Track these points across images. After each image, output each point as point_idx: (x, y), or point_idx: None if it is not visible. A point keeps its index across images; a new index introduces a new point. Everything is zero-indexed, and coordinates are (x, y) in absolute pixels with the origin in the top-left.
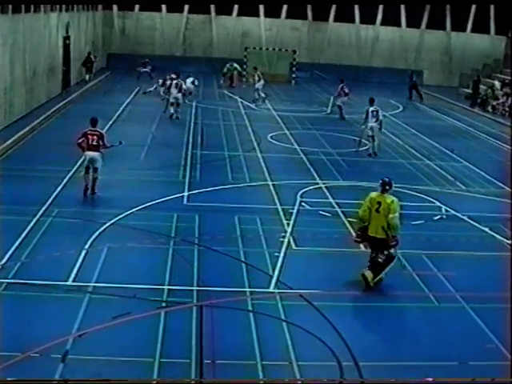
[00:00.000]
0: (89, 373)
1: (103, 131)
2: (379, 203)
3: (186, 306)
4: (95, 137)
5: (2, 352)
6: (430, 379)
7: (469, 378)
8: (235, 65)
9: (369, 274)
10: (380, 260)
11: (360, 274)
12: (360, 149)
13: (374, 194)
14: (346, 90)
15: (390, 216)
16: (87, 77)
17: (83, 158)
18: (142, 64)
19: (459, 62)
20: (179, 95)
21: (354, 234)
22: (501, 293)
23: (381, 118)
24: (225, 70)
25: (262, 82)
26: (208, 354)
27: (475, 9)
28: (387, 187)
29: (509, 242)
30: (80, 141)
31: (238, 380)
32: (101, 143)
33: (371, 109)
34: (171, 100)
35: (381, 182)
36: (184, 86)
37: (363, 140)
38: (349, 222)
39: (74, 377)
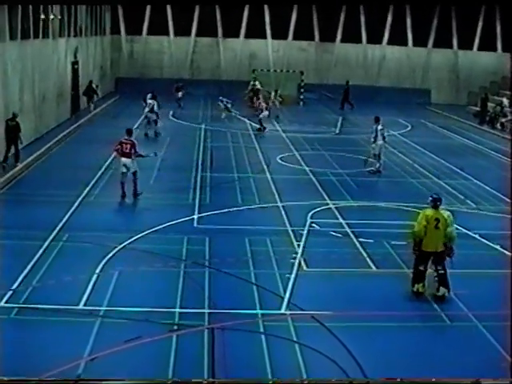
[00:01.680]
0: None
1: (135, 141)
2: (437, 219)
3: (197, 328)
4: (128, 145)
5: (15, 376)
6: (434, 379)
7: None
8: (257, 82)
9: (443, 291)
10: (441, 271)
11: (435, 295)
12: (368, 169)
13: (428, 212)
14: (385, 134)
15: (450, 229)
16: (92, 106)
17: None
18: (176, 89)
19: (467, 79)
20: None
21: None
22: None
23: (385, 135)
24: (249, 87)
25: (266, 112)
26: (220, 376)
27: (482, 27)
28: (438, 203)
29: None
30: (116, 148)
31: (248, 379)
32: (133, 151)
33: (379, 127)
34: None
35: (432, 199)
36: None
37: (370, 159)
38: (359, 242)
39: None
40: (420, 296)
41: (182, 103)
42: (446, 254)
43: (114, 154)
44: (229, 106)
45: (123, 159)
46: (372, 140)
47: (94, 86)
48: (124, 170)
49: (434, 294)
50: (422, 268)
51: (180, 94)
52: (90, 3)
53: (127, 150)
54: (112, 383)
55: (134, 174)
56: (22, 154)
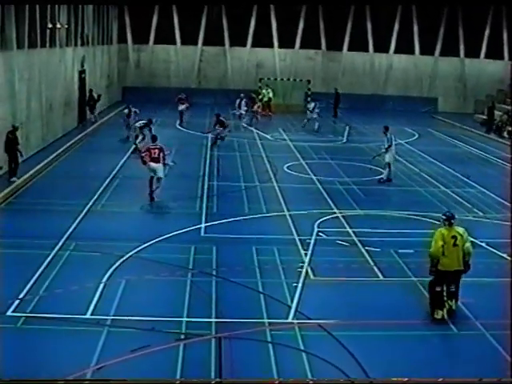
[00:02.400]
0: None
1: (162, 145)
2: (454, 237)
3: (204, 337)
4: (156, 150)
5: None
6: (440, 379)
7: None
8: (269, 90)
9: (450, 304)
10: (453, 289)
11: (444, 314)
12: (378, 177)
13: (443, 230)
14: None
15: (467, 245)
16: (92, 117)
17: (148, 169)
18: (179, 101)
19: (474, 88)
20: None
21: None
22: None
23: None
24: (261, 95)
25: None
26: None
27: (488, 35)
28: (452, 220)
29: None
30: (143, 154)
31: (255, 379)
32: (161, 155)
33: (393, 136)
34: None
35: (445, 217)
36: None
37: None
38: (366, 251)
39: None
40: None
41: (186, 117)
42: (466, 271)
43: (146, 157)
44: (243, 113)
45: (152, 164)
46: (384, 150)
47: (94, 95)
48: (152, 174)
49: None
50: (438, 289)
51: (183, 106)
52: (95, 3)
53: (156, 155)
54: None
55: (159, 179)
56: (30, 162)
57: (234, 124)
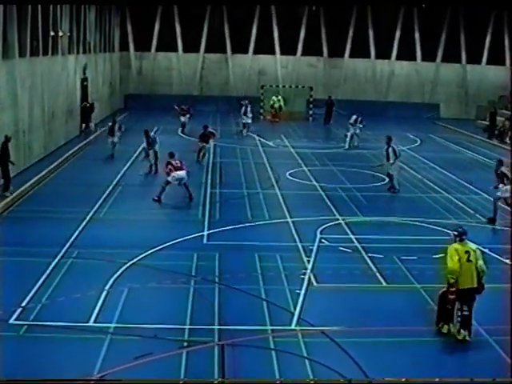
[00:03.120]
0: None
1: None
2: (467, 253)
3: (207, 345)
4: (177, 161)
5: None
6: (437, 379)
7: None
8: (280, 97)
9: (463, 334)
10: (466, 313)
11: (456, 338)
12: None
13: (457, 246)
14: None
15: (481, 262)
16: (92, 126)
17: (174, 178)
18: (180, 112)
19: (475, 94)
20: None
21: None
22: None
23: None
24: (271, 102)
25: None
26: None
27: (490, 41)
28: (464, 236)
29: None
30: (168, 170)
31: (256, 379)
32: (183, 163)
33: (397, 147)
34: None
35: (457, 233)
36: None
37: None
38: (369, 257)
39: None
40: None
41: (187, 129)
42: (481, 290)
43: (169, 171)
44: (249, 122)
45: (179, 173)
46: (391, 161)
47: (87, 104)
48: (177, 182)
49: (453, 335)
50: (449, 307)
51: (185, 118)
52: (96, 3)
53: (179, 165)
54: (123, 383)
55: (185, 184)
56: (32, 170)
57: (236, 131)
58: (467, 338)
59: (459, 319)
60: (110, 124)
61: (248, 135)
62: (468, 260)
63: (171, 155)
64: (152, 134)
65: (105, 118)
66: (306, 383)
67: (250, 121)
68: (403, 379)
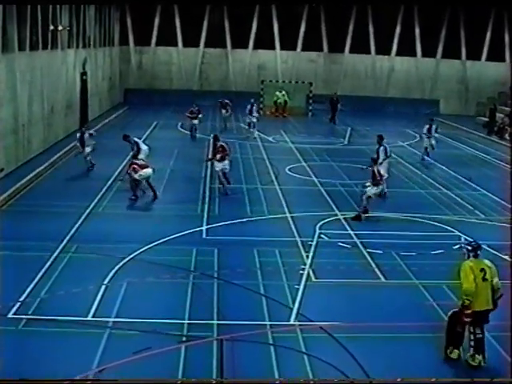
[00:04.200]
0: None
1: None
2: (483, 270)
3: (206, 340)
4: (142, 160)
5: None
6: (433, 379)
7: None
8: (284, 93)
9: (478, 359)
10: (479, 335)
11: (467, 362)
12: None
13: (471, 263)
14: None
15: (496, 280)
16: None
17: (141, 176)
18: (191, 114)
19: (475, 90)
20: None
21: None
22: None
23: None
24: (274, 97)
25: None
26: None
27: (490, 37)
28: (479, 251)
29: None
30: (131, 169)
31: (256, 379)
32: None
33: (388, 147)
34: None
35: (471, 247)
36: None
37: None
38: (368, 253)
39: None
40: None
41: (197, 132)
42: (493, 310)
43: (132, 170)
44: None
45: (145, 171)
46: (380, 161)
47: (84, 130)
48: (144, 180)
49: (466, 360)
50: (460, 329)
51: (196, 121)
52: (96, 2)
53: (144, 163)
54: (120, 383)
55: (149, 182)
56: (31, 164)
57: (236, 126)
58: (482, 363)
59: (472, 343)
60: (79, 135)
61: (254, 136)
62: (484, 279)
63: (135, 156)
64: (136, 139)
65: (105, 112)
66: (306, 383)
67: (255, 120)
68: (399, 379)
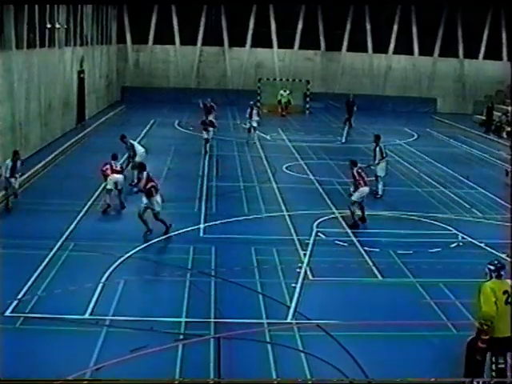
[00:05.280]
0: None
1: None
2: (506, 293)
3: (203, 338)
4: (119, 165)
5: None
6: (432, 379)
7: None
8: (288, 91)
9: None
10: (502, 365)
11: None
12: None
13: (492, 285)
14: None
15: None
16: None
17: (110, 181)
18: (203, 125)
19: (472, 89)
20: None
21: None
22: None
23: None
24: (279, 96)
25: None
26: None
27: (487, 36)
28: (502, 272)
29: None
30: (104, 168)
31: (253, 380)
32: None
33: (383, 147)
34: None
35: (494, 267)
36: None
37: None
38: (365, 251)
39: None
40: None
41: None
42: None
43: (107, 171)
44: (255, 125)
45: (115, 176)
46: (376, 162)
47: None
48: (113, 186)
49: None
50: (479, 358)
51: (211, 132)
52: (93, 2)
53: (118, 168)
54: (117, 383)
55: (120, 190)
56: (28, 162)
57: (232, 127)
58: None
59: (494, 374)
60: (10, 163)
61: (254, 141)
62: (507, 302)
63: (114, 157)
64: (132, 141)
65: (102, 110)
66: (305, 383)
67: (255, 124)
68: (398, 379)
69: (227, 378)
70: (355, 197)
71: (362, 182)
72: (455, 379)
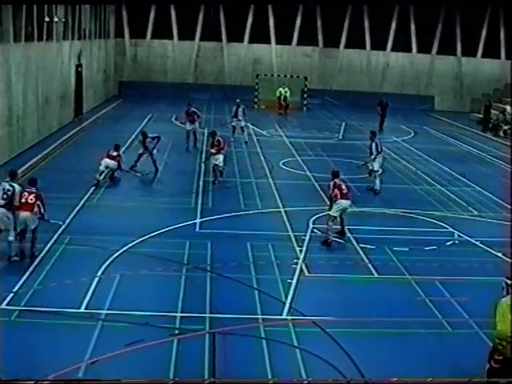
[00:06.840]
0: None
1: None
2: None
3: (198, 333)
4: (31, 195)
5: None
6: (429, 379)
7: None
8: (286, 89)
9: None
10: None
11: None
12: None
13: (510, 302)
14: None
15: None
16: None
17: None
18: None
19: (470, 87)
20: None
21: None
22: None
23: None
24: (277, 94)
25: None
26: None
27: (485, 34)
28: None
29: None
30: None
31: (248, 380)
32: (37, 203)
33: (379, 142)
34: None
35: (511, 282)
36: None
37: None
38: (361, 248)
39: None
40: None
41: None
42: None
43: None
44: (243, 125)
45: (21, 213)
46: (372, 158)
47: None
48: (22, 226)
49: None
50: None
51: (192, 125)
52: (93, 2)
53: (26, 201)
54: (114, 383)
55: (34, 232)
56: (25, 155)
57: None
58: None
59: None
60: None
61: (246, 140)
62: None
63: (115, 146)
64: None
65: (99, 104)
66: (301, 383)
67: (243, 123)
68: (394, 379)
69: (222, 378)
70: (332, 211)
71: (338, 194)
72: (452, 379)
